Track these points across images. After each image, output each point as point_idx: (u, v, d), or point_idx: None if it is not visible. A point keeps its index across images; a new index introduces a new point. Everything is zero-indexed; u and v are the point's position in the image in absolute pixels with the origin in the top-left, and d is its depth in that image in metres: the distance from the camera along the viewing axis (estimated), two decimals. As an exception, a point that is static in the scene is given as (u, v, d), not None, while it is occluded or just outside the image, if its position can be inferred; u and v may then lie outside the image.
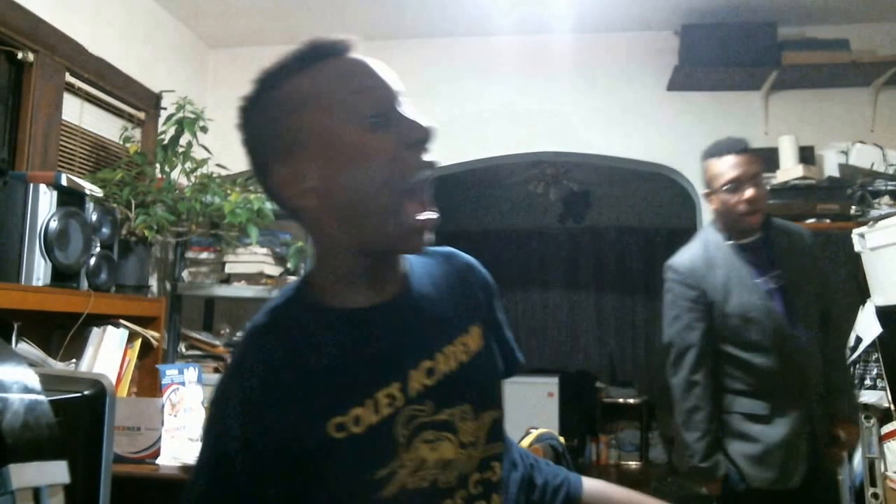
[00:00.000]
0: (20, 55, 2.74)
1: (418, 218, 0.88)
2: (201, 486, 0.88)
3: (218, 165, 3.44)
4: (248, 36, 4.10)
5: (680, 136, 3.80)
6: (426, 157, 0.91)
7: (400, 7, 3.69)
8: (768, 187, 3.35)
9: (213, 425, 0.89)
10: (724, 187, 2.25)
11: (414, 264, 1.01)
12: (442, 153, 3.39)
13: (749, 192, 2.20)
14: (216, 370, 3.47)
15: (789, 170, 3.33)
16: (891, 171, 3.25)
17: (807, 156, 3.43)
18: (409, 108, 0.93)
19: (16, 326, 2.20)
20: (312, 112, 0.89)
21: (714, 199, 2.32)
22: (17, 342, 2.22)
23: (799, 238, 2.35)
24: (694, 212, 3.90)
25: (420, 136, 0.90)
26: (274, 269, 3.60)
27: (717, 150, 2.33)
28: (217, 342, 3.58)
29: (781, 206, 3.24)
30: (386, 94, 0.92)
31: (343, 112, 0.89)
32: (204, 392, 2.34)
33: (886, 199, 3.12)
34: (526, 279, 7.20)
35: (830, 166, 3.40)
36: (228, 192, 3.33)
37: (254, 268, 3.54)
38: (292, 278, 3.54)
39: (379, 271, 0.95)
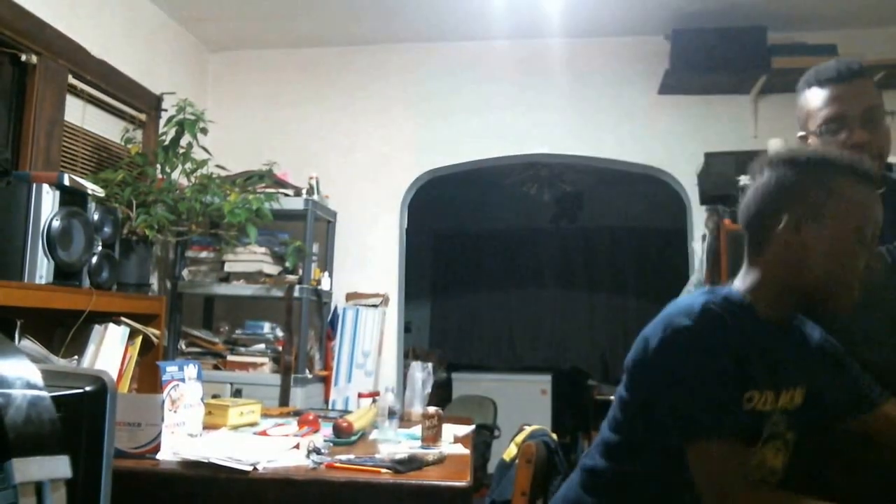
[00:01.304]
0: (24, 57, 2.79)
1: (853, 298, 1.28)
2: (713, 399, 1.22)
3: (217, 166, 3.49)
4: (247, 40, 4.14)
5: (671, 139, 3.86)
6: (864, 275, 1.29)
7: (397, 12, 3.73)
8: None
9: (709, 366, 1.23)
10: (821, 128, 1.63)
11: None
12: (439, 155, 3.49)
13: (856, 136, 1.58)
14: (215, 367, 3.52)
15: (778, 172, 3.37)
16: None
17: (795, 158, 3.46)
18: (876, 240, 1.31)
19: (19, 324, 2.23)
20: (843, 206, 1.26)
21: (810, 145, 1.69)
22: (19, 339, 2.25)
23: None
24: (684, 213, 3.95)
25: (874, 266, 1.29)
26: (272, 268, 3.65)
27: (813, 78, 1.68)
28: (216, 339, 3.62)
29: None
30: (877, 228, 1.29)
31: (856, 222, 1.26)
32: (203, 389, 2.37)
33: (873, 201, 3.14)
34: (520, 278, 7.24)
35: (819, 169, 3.43)
36: (228, 192, 3.37)
37: (253, 266, 3.59)
38: (291, 277, 3.59)
39: (792, 310, 1.36)
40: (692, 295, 1.34)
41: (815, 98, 1.65)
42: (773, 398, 1.26)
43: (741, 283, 1.35)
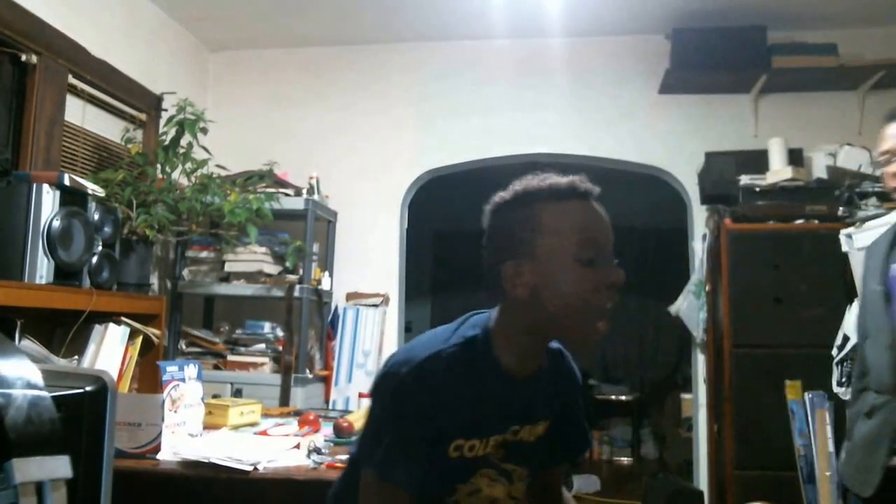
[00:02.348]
0: (24, 57, 2.79)
1: (598, 331, 1.18)
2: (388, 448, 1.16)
3: (218, 166, 3.49)
4: (247, 40, 4.14)
5: (671, 139, 3.86)
6: (615, 294, 1.18)
7: (397, 11, 3.73)
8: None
9: (399, 414, 1.18)
10: (879, 158, 2.03)
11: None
12: (439, 154, 3.49)
13: (893, 168, 1.95)
14: (216, 367, 3.52)
15: (778, 171, 3.37)
16: (877, 173, 3.28)
17: (796, 158, 3.46)
18: (611, 253, 1.21)
19: (19, 323, 2.23)
20: (551, 236, 1.18)
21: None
22: (20, 339, 2.25)
23: None
24: (685, 212, 3.95)
25: (616, 281, 1.18)
26: (272, 268, 3.65)
27: (888, 116, 2.03)
28: (217, 339, 3.62)
29: (771, 207, 3.30)
30: (604, 242, 1.20)
31: (571, 246, 1.17)
32: (203, 388, 2.38)
33: (873, 200, 3.14)
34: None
35: (819, 168, 3.44)
36: (228, 192, 3.37)
37: (253, 266, 3.59)
38: (291, 277, 3.59)
39: (538, 352, 1.27)
40: (441, 332, 1.26)
41: (884, 130, 1.97)
42: (484, 444, 1.23)
43: (493, 322, 1.26)
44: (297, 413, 2.78)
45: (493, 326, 1.25)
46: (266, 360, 3.52)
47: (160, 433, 1.97)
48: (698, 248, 3.66)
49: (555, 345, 1.35)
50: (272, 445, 2.08)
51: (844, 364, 2.93)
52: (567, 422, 1.38)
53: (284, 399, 3.36)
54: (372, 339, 3.88)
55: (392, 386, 1.18)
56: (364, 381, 3.78)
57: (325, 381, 3.75)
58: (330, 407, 3.60)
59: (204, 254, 3.70)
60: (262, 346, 3.55)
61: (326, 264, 3.93)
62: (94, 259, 2.56)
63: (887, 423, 1.91)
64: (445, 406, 1.17)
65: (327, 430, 2.37)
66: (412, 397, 1.16)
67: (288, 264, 3.56)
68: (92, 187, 2.58)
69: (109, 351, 2.56)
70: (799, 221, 3.27)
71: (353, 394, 3.63)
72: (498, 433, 1.24)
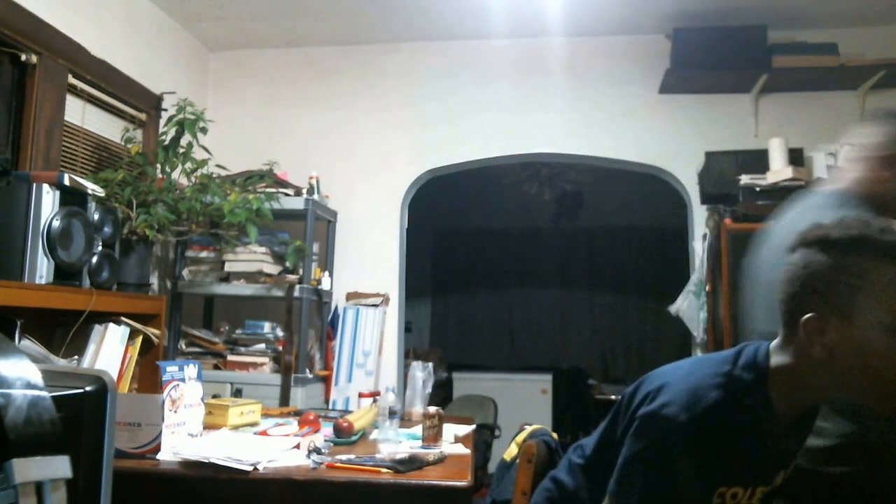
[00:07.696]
0: (23, 57, 2.78)
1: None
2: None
3: (218, 166, 3.49)
4: (247, 39, 4.14)
5: (671, 138, 3.86)
6: None
7: (397, 11, 3.73)
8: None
9: (670, 463, 1.14)
10: None
11: None
12: (439, 154, 3.49)
13: None
14: (216, 367, 3.52)
15: (779, 171, 3.37)
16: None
17: (796, 158, 3.47)
18: None
19: (19, 323, 2.22)
20: (877, 301, 1.08)
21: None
22: (20, 339, 2.25)
23: None
24: (685, 212, 3.95)
25: None
26: (272, 268, 3.65)
27: None
28: (217, 339, 3.62)
29: (772, 207, 3.29)
30: None
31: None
32: (203, 388, 2.37)
33: (874, 200, 3.15)
34: (520, 278, 7.24)
35: (819, 168, 3.44)
36: (228, 192, 3.37)
37: (253, 266, 3.59)
38: (291, 277, 3.59)
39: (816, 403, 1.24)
40: (714, 369, 1.18)
41: None
42: (745, 492, 1.20)
43: (775, 356, 1.17)
44: (297, 413, 2.78)
45: (773, 371, 1.17)
46: (266, 360, 3.51)
47: (160, 433, 1.96)
48: (698, 248, 3.65)
49: None
50: (272, 445, 2.08)
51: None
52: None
53: (284, 399, 3.36)
54: (372, 339, 3.88)
55: (668, 432, 1.13)
56: (364, 381, 3.78)
57: (325, 381, 3.75)
58: (330, 407, 3.60)
59: (204, 254, 3.70)
60: (262, 346, 3.55)
61: (326, 264, 3.93)
62: (94, 259, 2.56)
63: None
64: (719, 454, 1.12)
65: (327, 430, 2.37)
66: (689, 448, 1.12)
67: (288, 264, 3.56)
68: (92, 187, 2.58)
69: (109, 351, 2.55)
70: (799, 221, 3.26)
71: (353, 394, 3.63)
72: (762, 481, 1.20)
